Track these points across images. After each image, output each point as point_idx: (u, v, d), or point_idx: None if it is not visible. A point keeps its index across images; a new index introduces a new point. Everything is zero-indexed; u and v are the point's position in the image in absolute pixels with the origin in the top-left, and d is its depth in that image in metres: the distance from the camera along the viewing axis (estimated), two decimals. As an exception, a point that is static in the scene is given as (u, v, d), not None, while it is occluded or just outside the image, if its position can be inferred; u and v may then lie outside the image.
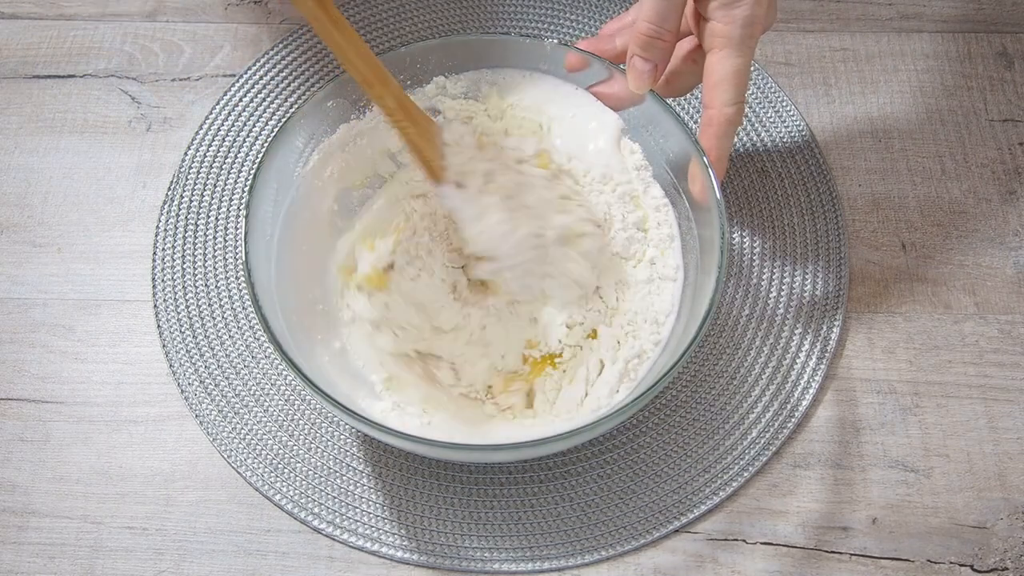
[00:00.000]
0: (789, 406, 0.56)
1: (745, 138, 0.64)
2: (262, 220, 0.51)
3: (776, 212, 0.61)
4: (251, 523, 0.53)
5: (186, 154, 0.64)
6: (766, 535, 0.53)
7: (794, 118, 0.65)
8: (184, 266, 0.60)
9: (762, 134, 0.64)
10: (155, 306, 0.59)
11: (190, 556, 0.52)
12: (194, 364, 0.57)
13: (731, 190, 0.62)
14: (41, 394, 0.57)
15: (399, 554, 0.52)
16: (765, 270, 0.60)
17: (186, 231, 0.61)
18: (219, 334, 0.58)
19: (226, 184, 0.63)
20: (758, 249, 0.60)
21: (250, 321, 0.59)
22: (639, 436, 0.55)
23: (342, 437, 0.55)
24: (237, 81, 0.66)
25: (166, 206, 0.62)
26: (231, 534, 0.53)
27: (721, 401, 0.56)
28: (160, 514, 0.53)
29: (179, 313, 0.59)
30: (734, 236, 0.61)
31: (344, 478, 0.54)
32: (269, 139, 0.58)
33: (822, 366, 0.57)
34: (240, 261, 0.60)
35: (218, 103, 0.66)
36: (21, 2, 0.70)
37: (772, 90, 0.66)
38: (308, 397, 0.56)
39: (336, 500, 0.54)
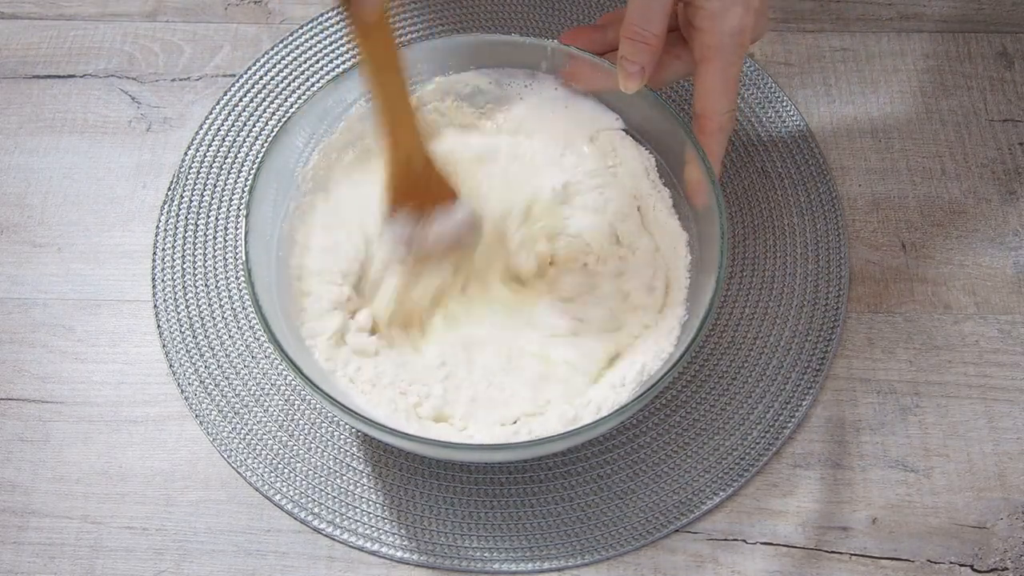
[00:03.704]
0: (789, 406, 0.56)
1: (745, 138, 0.64)
2: (262, 220, 0.51)
3: (776, 212, 0.61)
4: (251, 523, 0.53)
5: (186, 154, 0.64)
6: (766, 535, 0.53)
7: (794, 118, 0.65)
8: (184, 266, 0.60)
9: (762, 134, 0.64)
10: (155, 306, 0.59)
11: (190, 556, 0.52)
12: (194, 364, 0.57)
13: (731, 190, 0.62)
14: (41, 394, 0.57)
15: (399, 554, 0.52)
16: (765, 270, 0.60)
17: (186, 231, 0.61)
18: (219, 334, 0.58)
19: (226, 184, 0.63)
20: (758, 249, 0.60)
21: (250, 321, 0.59)
22: (639, 436, 0.55)
23: (342, 437, 0.55)
24: (237, 81, 0.66)
25: (166, 206, 0.62)
26: (231, 534, 0.53)
27: (722, 402, 0.56)
28: (160, 514, 0.53)
29: (179, 313, 0.59)
30: (734, 236, 0.61)
31: (344, 478, 0.54)
32: (269, 139, 0.58)
33: (822, 366, 0.57)
34: (240, 261, 0.60)
35: (218, 103, 0.66)
36: (21, 2, 0.70)
37: (772, 90, 0.66)
38: (308, 397, 0.56)
39: (336, 500, 0.54)
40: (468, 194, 0.53)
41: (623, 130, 0.57)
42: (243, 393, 0.56)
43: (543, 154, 0.57)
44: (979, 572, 0.52)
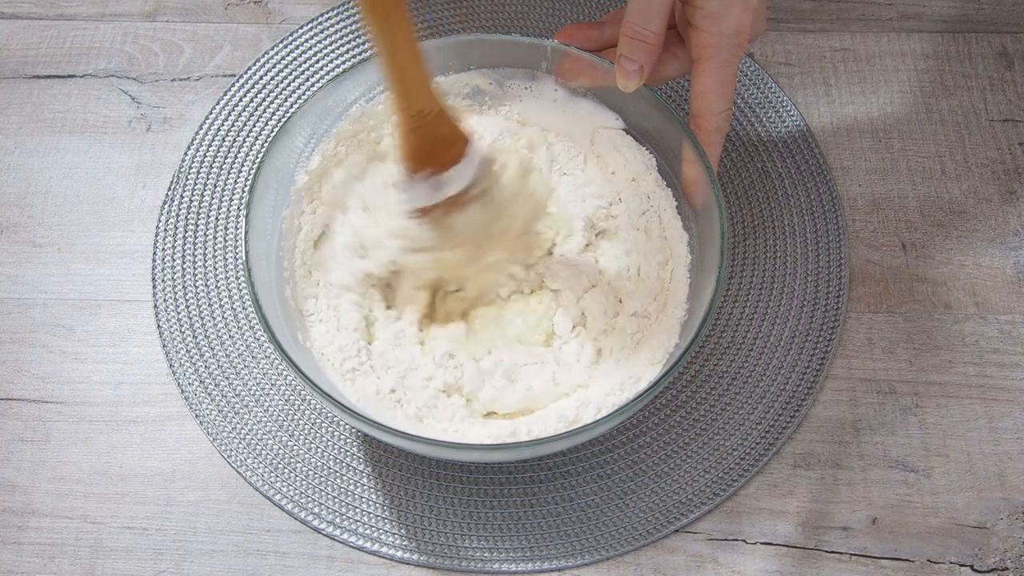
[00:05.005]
0: (789, 406, 0.56)
1: (745, 138, 0.64)
2: (262, 220, 0.51)
3: (776, 212, 0.61)
4: (251, 523, 0.53)
5: (186, 154, 0.64)
6: (766, 535, 0.53)
7: (794, 118, 0.65)
8: (184, 266, 0.60)
9: (762, 134, 0.64)
10: (155, 306, 0.59)
11: (190, 556, 0.52)
12: (194, 364, 0.57)
13: (731, 190, 0.62)
14: (41, 394, 0.57)
15: (399, 554, 0.52)
16: (765, 270, 0.60)
17: (186, 231, 0.61)
18: (219, 334, 0.58)
19: (226, 184, 0.63)
20: (758, 249, 0.60)
21: (250, 321, 0.59)
22: (639, 436, 0.55)
23: (342, 437, 0.55)
24: (237, 81, 0.66)
25: (166, 206, 0.62)
26: (231, 534, 0.53)
27: (722, 402, 0.56)
28: (160, 514, 0.53)
29: (179, 313, 0.59)
30: (734, 236, 0.61)
31: (344, 478, 0.54)
32: (269, 139, 0.58)
33: (822, 366, 0.57)
34: (240, 261, 0.60)
35: (218, 103, 0.66)
36: (21, 2, 0.70)
37: (772, 90, 0.66)
38: (308, 397, 0.56)
39: (336, 500, 0.54)
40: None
41: (623, 130, 0.57)
42: (243, 393, 0.56)
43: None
44: (979, 572, 0.52)
